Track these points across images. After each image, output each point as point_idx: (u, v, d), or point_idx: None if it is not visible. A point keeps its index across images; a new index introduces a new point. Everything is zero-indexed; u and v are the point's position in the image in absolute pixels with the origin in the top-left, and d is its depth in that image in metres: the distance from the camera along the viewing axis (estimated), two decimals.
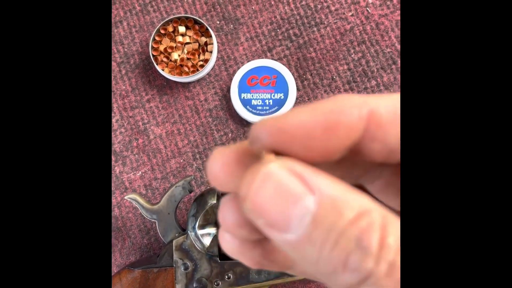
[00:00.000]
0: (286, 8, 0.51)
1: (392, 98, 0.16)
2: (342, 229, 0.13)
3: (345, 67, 0.50)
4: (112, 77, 0.51)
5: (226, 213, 0.16)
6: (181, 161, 0.50)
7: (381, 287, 0.13)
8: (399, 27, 0.50)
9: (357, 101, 0.16)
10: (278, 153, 0.15)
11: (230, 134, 0.50)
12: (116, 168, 0.49)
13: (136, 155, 0.50)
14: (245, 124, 0.50)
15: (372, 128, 0.16)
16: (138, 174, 0.50)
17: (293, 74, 0.50)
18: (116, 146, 0.50)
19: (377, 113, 0.15)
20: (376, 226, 0.13)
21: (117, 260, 0.48)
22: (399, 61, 0.50)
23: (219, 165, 0.16)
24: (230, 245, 0.18)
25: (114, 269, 0.48)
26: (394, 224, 0.14)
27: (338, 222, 0.13)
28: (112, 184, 0.49)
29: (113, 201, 0.49)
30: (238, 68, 0.51)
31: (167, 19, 0.50)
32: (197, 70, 0.50)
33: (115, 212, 0.49)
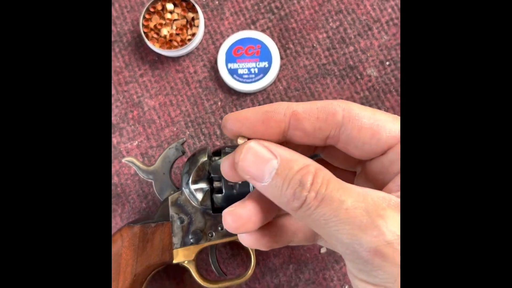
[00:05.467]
0: None
1: (307, 103, 0.25)
2: (292, 176, 0.23)
3: (324, 35, 0.53)
4: None
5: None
6: (174, 129, 0.53)
7: (311, 205, 0.22)
8: None
9: (285, 105, 0.25)
10: (248, 138, 0.25)
11: (219, 103, 0.53)
12: (114, 139, 0.53)
13: (132, 126, 0.53)
14: (233, 92, 0.53)
15: (294, 122, 0.25)
16: (135, 144, 0.53)
17: (276, 44, 0.53)
18: (113, 118, 0.53)
19: (296, 112, 0.25)
20: (310, 173, 0.23)
21: (118, 224, 0.51)
22: (375, 28, 0.53)
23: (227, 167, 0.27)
24: (247, 241, 0.28)
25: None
26: (322, 172, 0.23)
27: (290, 172, 0.23)
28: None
29: (112, 169, 0.52)
30: (225, 41, 0.54)
31: None
32: (186, 44, 0.53)
33: (115, 179, 0.52)
